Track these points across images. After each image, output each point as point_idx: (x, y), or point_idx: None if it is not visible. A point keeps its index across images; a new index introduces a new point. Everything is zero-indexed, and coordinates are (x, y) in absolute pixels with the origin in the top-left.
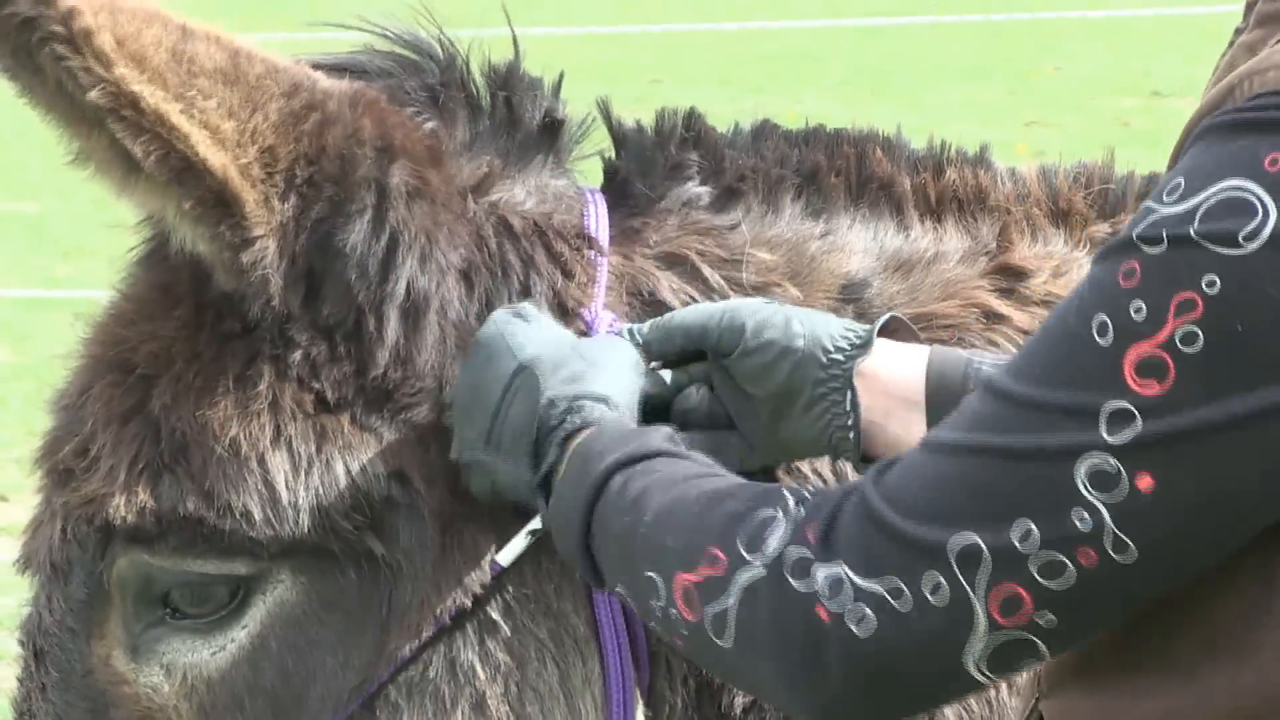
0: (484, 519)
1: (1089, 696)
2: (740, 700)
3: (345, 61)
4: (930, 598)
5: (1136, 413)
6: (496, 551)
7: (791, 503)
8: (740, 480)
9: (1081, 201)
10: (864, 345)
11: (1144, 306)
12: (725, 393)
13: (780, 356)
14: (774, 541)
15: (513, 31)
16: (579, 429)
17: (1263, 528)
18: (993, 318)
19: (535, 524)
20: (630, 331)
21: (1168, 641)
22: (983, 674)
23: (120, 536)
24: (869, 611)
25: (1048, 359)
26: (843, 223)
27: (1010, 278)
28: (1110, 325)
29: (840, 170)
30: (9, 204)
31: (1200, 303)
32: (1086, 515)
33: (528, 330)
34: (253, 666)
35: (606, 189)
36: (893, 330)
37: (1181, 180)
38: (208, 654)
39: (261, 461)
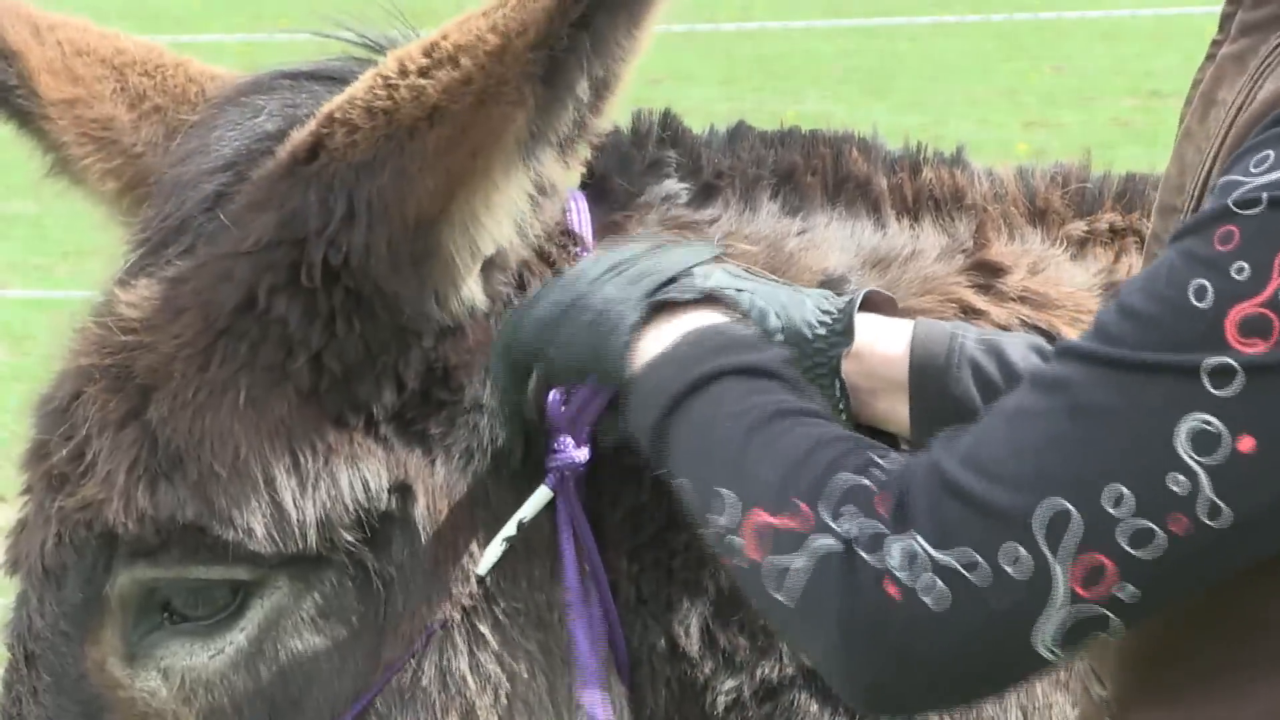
0: (477, 532)
1: (1173, 708)
2: (723, 699)
3: (323, 68)
4: (1009, 569)
5: (1240, 369)
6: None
7: (874, 469)
8: (839, 429)
9: (1059, 200)
10: (845, 332)
11: (1245, 266)
12: None
13: None
14: (850, 511)
15: None
16: (711, 293)
17: None
18: (970, 313)
19: (510, 530)
20: None
21: (1270, 636)
22: (1052, 652)
23: (124, 551)
24: (942, 585)
25: (1140, 324)
26: (820, 221)
27: (987, 274)
28: (1210, 288)
29: (816, 170)
30: (9, 204)
31: None
32: (1183, 478)
33: None
34: (250, 670)
35: (585, 187)
36: (874, 304)
37: (1271, 153)
38: (206, 657)
39: (270, 483)
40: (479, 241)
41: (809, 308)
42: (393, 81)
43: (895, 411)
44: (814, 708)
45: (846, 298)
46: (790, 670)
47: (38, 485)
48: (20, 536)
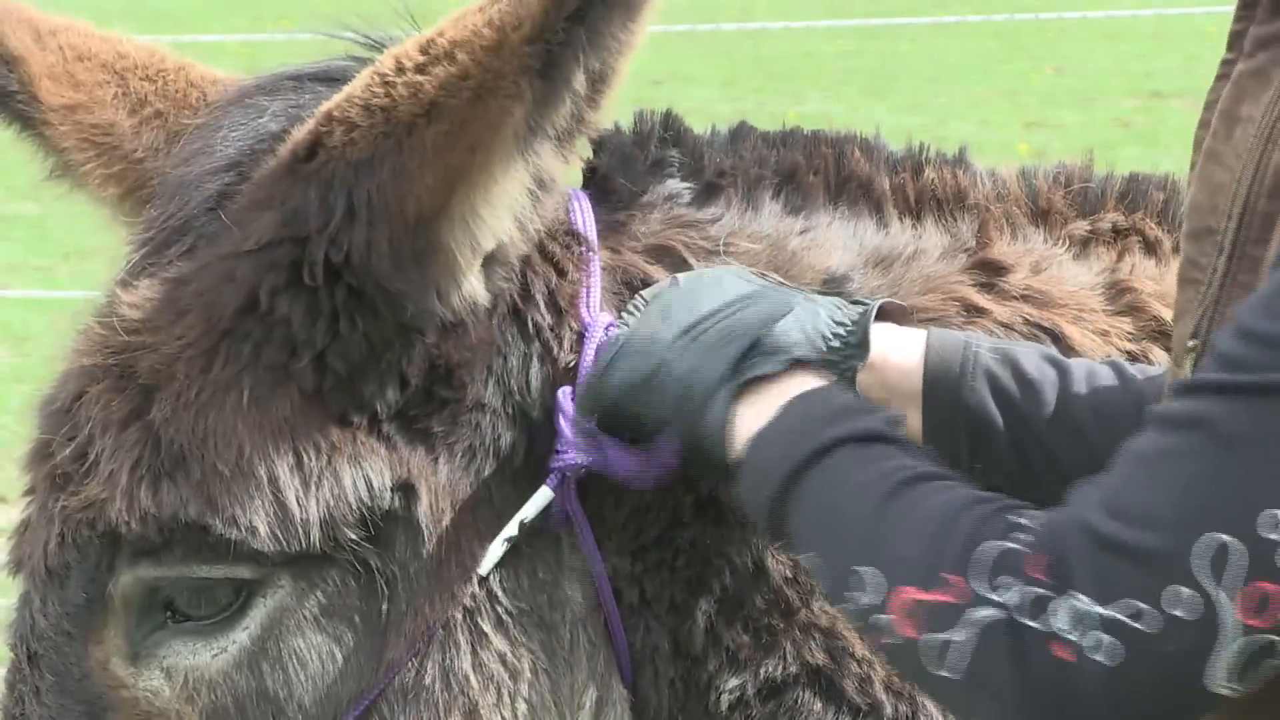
0: (479, 531)
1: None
2: (727, 698)
3: (327, 69)
4: (1176, 612)
5: None
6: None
7: (1021, 531)
8: (970, 492)
9: (1061, 200)
10: (860, 344)
11: None
12: None
13: None
14: (1009, 580)
15: None
16: (801, 361)
17: None
18: (973, 311)
19: (511, 530)
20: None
21: None
22: (1227, 686)
23: (127, 550)
24: (1111, 639)
25: (1268, 346)
26: (822, 220)
27: (990, 273)
28: None
29: (819, 170)
30: (9, 204)
31: None
32: None
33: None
34: (253, 669)
35: (587, 187)
36: (885, 313)
37: None
38: (209, 656)
39: (273, 482)
40: (479, 237)
41: (823, 318)
42: (390, 79)
43: (907, 419)
44: (818, 706)
45: (861, 308)
46: (794, 668)
47: (41, 485)
48: (23, 537)
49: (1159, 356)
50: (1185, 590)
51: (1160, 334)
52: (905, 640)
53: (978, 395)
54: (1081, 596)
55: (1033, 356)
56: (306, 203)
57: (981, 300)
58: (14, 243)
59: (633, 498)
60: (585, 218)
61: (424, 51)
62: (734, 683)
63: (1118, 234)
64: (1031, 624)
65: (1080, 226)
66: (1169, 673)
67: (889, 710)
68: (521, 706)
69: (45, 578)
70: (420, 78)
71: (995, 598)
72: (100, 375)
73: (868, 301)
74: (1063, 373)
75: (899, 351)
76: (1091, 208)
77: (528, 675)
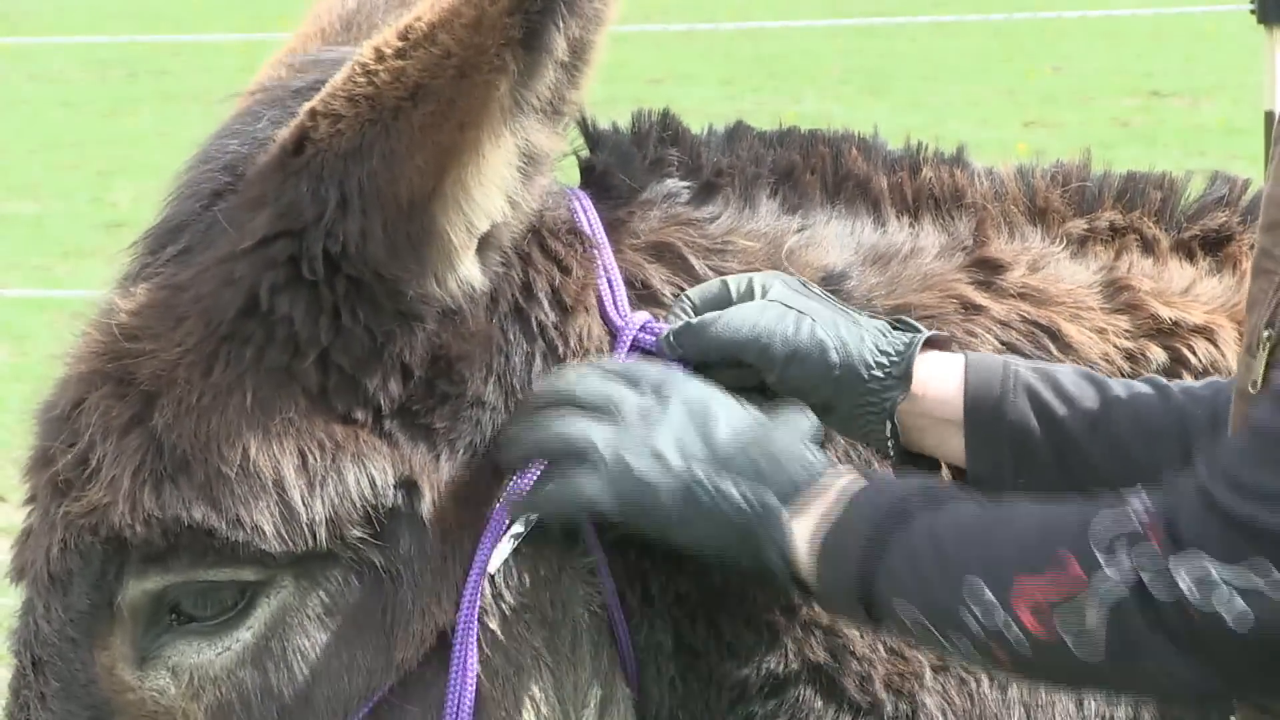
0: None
1: None
2: (728, 694)
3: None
4: None
5: None
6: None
7: (1132, 506)
8: (1059, 498)
9: (1059, 199)
10: (903, 377)
11: None
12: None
13: (818, 383)
14: (1125, 548)
15: None
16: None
17: None
18: (970, 308)
19: (518, 528)
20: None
21: None
22: None
23: (134, 558)
24: (1239, 600)
25: None
26: (820, 218)
27: (987, 271)
28: None
29: (816, 169)
30: (9, 204)
31: None
32: None
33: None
34: (258, 667)
35: (586, 185)
36: (930, 342)
37: None
38: (213, 654)
39: (278, 483)
40: (472, 216)
41: (868, 345)
42: (371, 68)
43: (945, 444)
44: (818, 703)
45: (907, 338)
46: (795, 665)
47: (42, 492)
48: (25, 544)
49: (1156, 354)
50: None
51: (1157, 332)
52: (1037, 641)
53: (1019, 410)
54: (1205, 558)
55: (1071, 374)
56: (299, 197)
57: (979, 298)
58: (12, 241)
59: None
60: (588, 215)
61: (404, 37)
62: (736, 677)
63: (1115, 232)
64: (1159, 592)
65: (1077, 225)
66: None
67: (889, 708)
68: (526, 703)
69: (48, 584)
70: (402, 62)
71: (1116, 569)
72: (100, 381)
73: (917, 326)
74: (1102, 389)
75: (938, 381)
76: (1089, 206)
77: (531, 672)
